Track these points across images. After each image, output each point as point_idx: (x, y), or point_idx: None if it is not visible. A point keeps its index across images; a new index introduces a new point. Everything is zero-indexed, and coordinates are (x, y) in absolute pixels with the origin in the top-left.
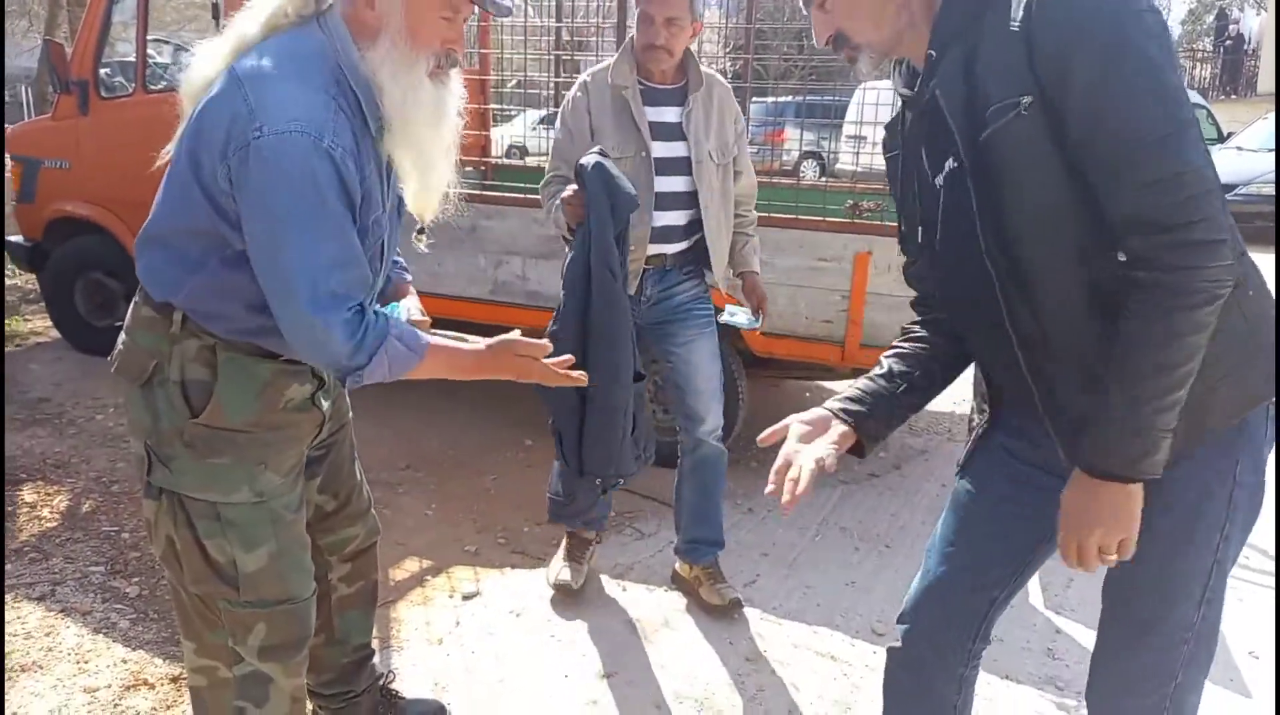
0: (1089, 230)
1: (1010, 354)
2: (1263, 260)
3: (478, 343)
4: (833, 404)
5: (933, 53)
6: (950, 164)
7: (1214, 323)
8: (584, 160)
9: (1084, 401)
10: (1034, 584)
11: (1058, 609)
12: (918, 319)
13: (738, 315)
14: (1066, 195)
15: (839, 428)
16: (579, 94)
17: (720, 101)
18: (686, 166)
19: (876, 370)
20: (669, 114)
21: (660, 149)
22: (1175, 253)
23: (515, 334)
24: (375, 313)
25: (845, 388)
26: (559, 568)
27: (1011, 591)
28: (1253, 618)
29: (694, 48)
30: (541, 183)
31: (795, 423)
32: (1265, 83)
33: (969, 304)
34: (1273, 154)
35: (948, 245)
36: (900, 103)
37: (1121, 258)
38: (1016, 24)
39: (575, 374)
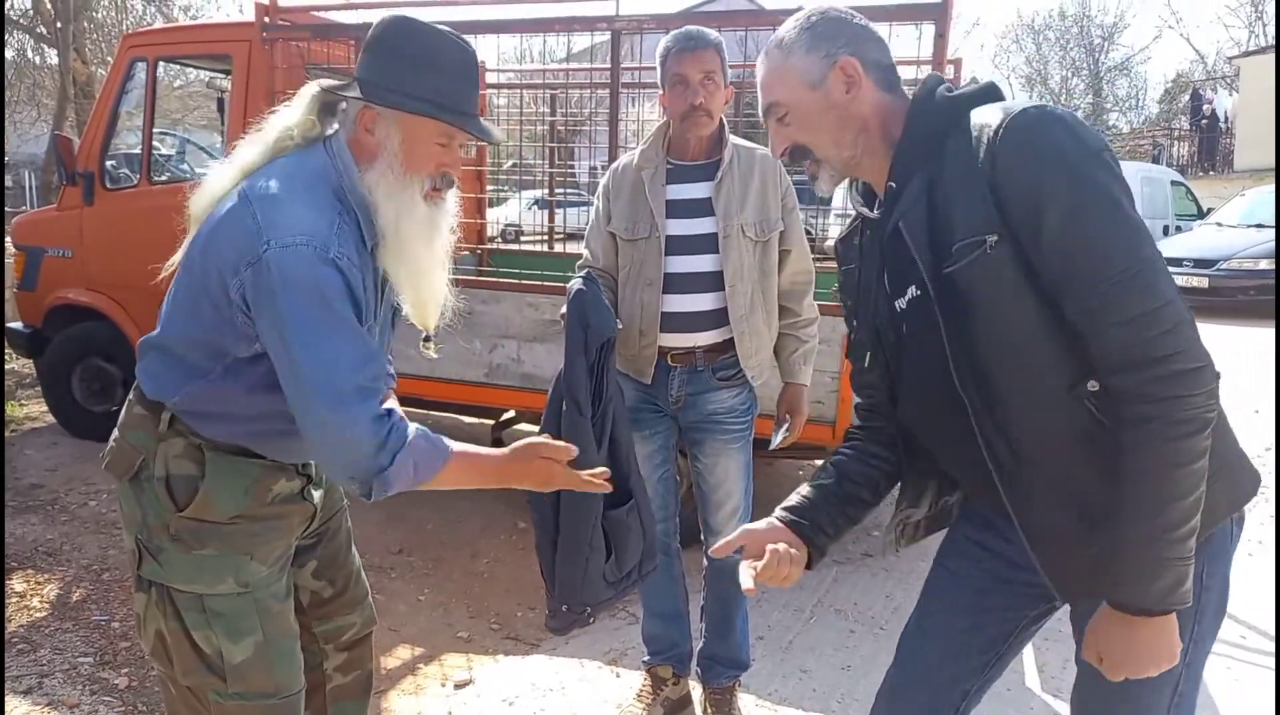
0: (1064, 361)
1: (984, 471)
2: (1250, 333)
3: (500, 451)
4: (783, 515)
5: (893, 184)
6: (913, 291)
7: (1209, 446)
8: (570, 284)
9: (1063, 521)
10: (1030, 666)
11: (1055, 692)
12: (859, 425)
13: (778, 435)
14: (1039, 327)
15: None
16: (606, 180)
17: (763, 174)
18: (713, 244)
19: (824, 479)
20: (697, 190)
21: (678, 227)
22: (1160, 385)
23: (541, 439)
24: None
25: (794, 497)
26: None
27: (986, 683)
28: (1249, 697)
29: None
30: (577, 264)
31: (747, 531)
32: (1241, 159)
33: (938, 425)
34: (1251, 229)
35: (913, 367)
36: (857, 217)
37: (1092, 387)
38: (979, 164)
39: (600, 481)
